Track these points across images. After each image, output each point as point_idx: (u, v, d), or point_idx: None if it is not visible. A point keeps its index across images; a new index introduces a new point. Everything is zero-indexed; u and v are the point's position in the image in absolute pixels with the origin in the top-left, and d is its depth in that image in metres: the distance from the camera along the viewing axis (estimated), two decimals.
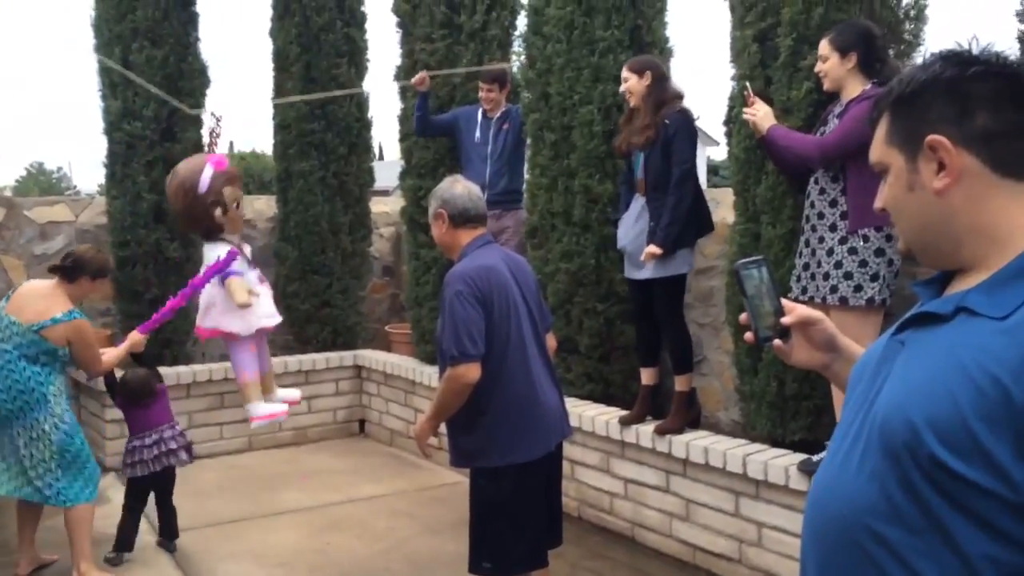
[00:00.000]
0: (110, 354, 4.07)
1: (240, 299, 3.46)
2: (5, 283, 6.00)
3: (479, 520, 2.86)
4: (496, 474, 2.81)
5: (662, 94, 4.07)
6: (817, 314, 1.48)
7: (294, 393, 4.00)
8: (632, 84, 4.10)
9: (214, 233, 3.58)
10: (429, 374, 5.77)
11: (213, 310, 3.58)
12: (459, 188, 3.00)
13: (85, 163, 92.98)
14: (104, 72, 6.04)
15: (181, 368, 5.96)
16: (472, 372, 2.74)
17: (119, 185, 6.01)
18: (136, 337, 4.12)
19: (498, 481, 2.81)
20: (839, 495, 1.16)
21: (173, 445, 4.16)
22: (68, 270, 3.90)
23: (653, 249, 3.97)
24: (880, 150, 1.24)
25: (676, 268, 4.08)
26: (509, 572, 2.84)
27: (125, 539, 4.16)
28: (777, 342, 1.46)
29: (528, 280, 3.00)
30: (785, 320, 1.45)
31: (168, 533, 4.30)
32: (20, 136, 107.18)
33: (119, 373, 4.31)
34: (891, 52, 3.79)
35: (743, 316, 1.48)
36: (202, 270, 3.64)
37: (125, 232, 5.96)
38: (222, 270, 3.79)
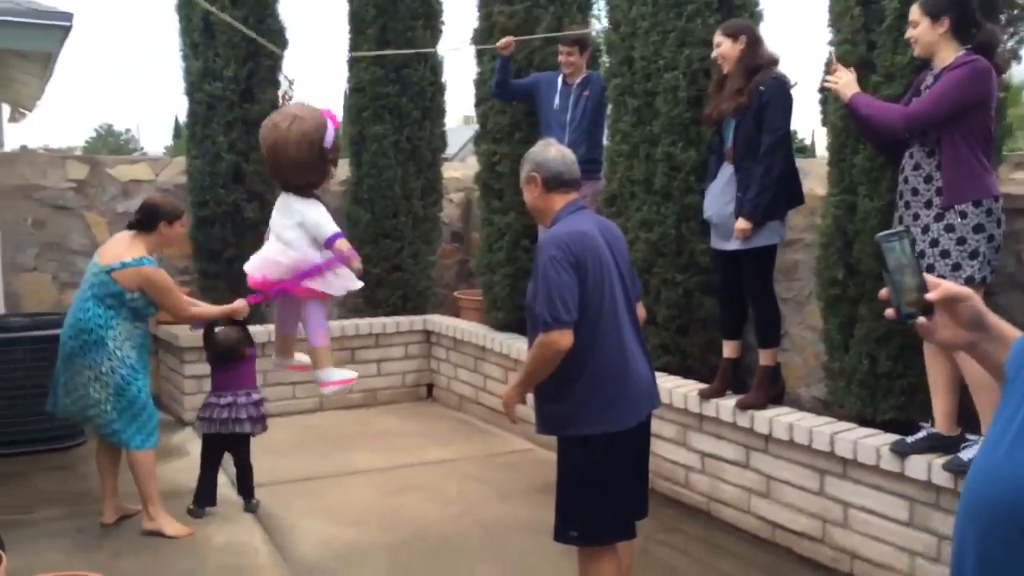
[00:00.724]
0: (206, 308, 4.16)
1: (357, 264, 3.34)
2: (88, 239, 6.14)
3: (567, 488, 2.82)
4: (587, 442, 2.76)
5: (756, 59, 3.93)
6: (965, 290, 1.39)
7: (306, 357, 3.76)
8: (725, 49, 3.97)
9: (309, 189, 3.41)
10: (500, 341, 5.76)
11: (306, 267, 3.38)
12: (553, 151, 2.93)
13: (151, 126, 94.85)
14: (185, 33, 6.09)
15: (256, 327, 5.99)
16: (565, 339, 2.68)
17: (199, 145, 6.08)
18: (240, 304, 4.11)
19: (588, 449, 2.76)
20: (1010, 481, 1.10)
21: (243, 415, 4.17)
22: (144, 221, 4.01)
23: (743, 225, 3.89)
24: None
25: (765, 239, 3.97)
26: (596, 542, 2.80)
27: (203, 493, 4.25)
28: (921, 319, 1.39)
29: (621, 247, 2.93)
30: (930, 296, 1.37)
31: (243, 492, 4.37)
32: (89, 98, 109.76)
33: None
34: (1002, 18, 3.61)
35: (883, 292, 1.41)
36: (284, 222, 3.35)
37: (204, 192, 6.04)
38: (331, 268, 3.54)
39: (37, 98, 7.84)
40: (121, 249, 3.95)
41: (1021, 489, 1.08)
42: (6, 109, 8.67)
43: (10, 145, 11.87)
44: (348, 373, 3.65)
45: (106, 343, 3.86)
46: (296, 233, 3.37)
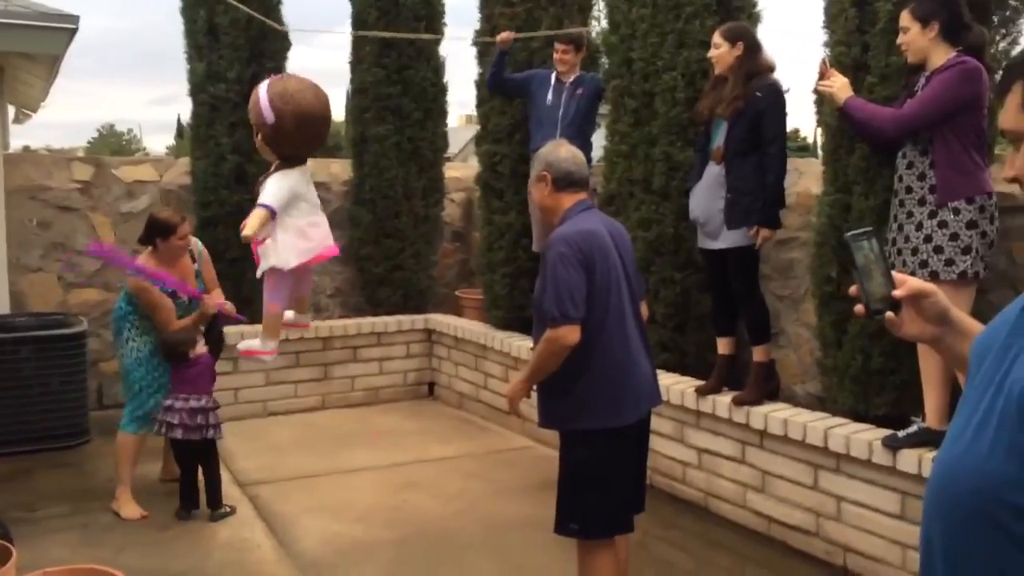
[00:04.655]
0: (181, 322, 4.29)
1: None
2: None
3: (568, 482, 2.88)
4: (588, 437, 2.82)
5: (753, 65, 3.98)
6: (929, 286, 1.45)
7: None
8: (722, 52, 4.01)
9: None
10: (500, 339, 5.81)
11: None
12: (563, 151, 2.98)
13: (153, 127, 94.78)
14: (190, 35, 6.15)
15: (260, 326, 6.06)
16: (572, 334, 2.74)
17: (202, 146, 6.14)
18: (205, 306, 4.33)
19: (590, 445, 2.82)
20: (971, 472, 1.12)
21: (174, 419, 4.11)
22: (144, 238, 4.35)
23: (766, 233, 4.01)
24: (1014, 117, 1.21)
25: (747, 239, 4.04)
26: (595, 535, 2.85)
27: (185, 496, 4.23)
28: (889, 314, 1.45)
29: (627, 247, 2.99)
30: (896, 293, 1.44)
31: (209, 501, 4.25)
32: (90, 99, 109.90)
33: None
34: (994, 19, 3.66)
35: (853, 288, 1.48)
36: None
37: (208, 193, 6.10)
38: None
39: (41, 99, 7.90)
40: (143, 259, 4.31)
41: (985, 479, 1.09)
42: (11, 111, 8.73)
43: (13, 146, 11.93)
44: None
45: (122, 333, 4.28)
46: None
